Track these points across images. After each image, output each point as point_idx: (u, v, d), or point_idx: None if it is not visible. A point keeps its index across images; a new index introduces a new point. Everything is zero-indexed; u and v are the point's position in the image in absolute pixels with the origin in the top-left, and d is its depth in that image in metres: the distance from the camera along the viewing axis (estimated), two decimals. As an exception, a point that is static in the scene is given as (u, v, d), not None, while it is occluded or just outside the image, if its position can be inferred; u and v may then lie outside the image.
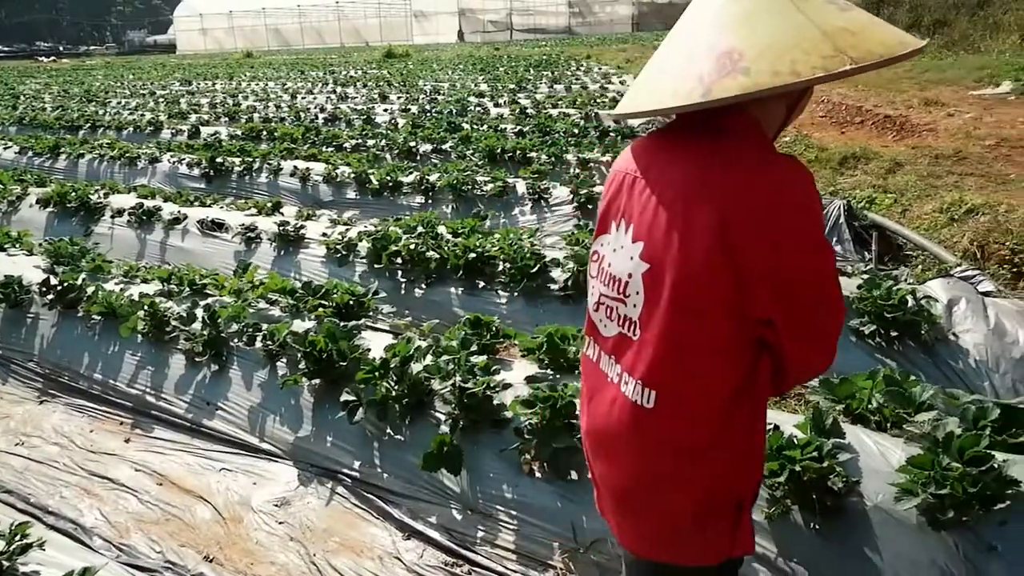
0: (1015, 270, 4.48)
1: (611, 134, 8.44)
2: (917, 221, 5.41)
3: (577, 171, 6.79)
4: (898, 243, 5.14)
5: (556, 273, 4.09)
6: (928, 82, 11.77)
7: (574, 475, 2.53)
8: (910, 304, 3.38)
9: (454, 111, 10.83)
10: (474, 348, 2.98)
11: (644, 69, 1.28)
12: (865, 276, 3.74)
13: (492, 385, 2.74)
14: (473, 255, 4.23)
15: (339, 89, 16.17)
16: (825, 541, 2.14)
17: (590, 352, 1.44)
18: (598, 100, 11.46)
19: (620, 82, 14.71)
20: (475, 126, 9.39)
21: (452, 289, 4.32)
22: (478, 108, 11.25)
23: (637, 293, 1.26)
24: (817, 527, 2.16)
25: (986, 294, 3.88)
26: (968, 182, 6.16)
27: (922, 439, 2.22)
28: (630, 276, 1.27)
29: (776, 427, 2.43)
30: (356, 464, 2.93)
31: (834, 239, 5.01)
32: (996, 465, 2.02)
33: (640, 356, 1.26)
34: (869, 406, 2.54)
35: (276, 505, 2.84)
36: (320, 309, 3.70)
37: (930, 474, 2.04)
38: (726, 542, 1.32)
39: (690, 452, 1.28)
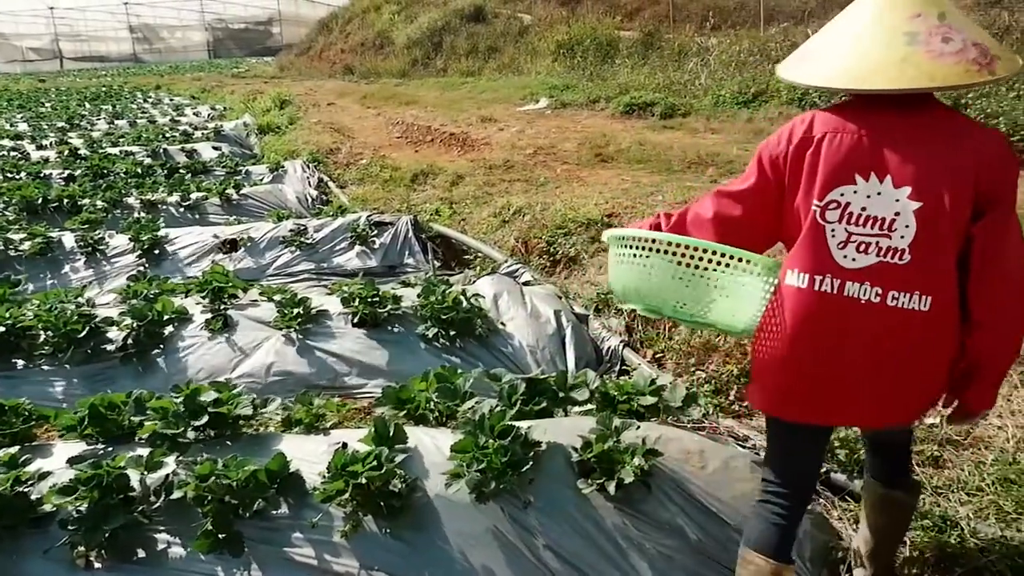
0: (551, 259, 5.32)
1: (180, 170, 7.90)
2: (476, 227, 6.08)
3: (141, 215, 6.20)
4: (462, 249, 5.75)
5: (113, 333, 3.67)
6: (485, 101, 13.42)
7: (141, 552, 2.29)
8: (463, 304, 3.79)
9: (-24, 159, 9.04)
10: (-5, 442, 2.51)
11: (847, 53, 1.67)
12: (424, 284, 4.06)
13: (23, 479, 2.34)
14: (2, 329, 3.57)
15: None
16: (398, 541, 2.26)
17: (819, 286, 1.71)
18: (168, 135, 10.65)
19: (194, 113, 13.90)
20: (9, 175, 7.96)
21: (-21, 375, 3.59)
22: (14, 153, 9.56)
23: (907, 227, 1.64)
24: (389, 531, 2.28)
25: (526, 284, 4.54)
26: (515, 187, 7.08)
27: (466, 424, 2.49)
28: (897, 215, 1.65)
29: (344, 445, 2.52)
30: None
31: (405, 254, 5.39)
32: (521, 433, 2.36)
33: (916, 272, 1.64)
34: (428, 406, 2.77)
35: None
36: None
37: (472, 455, 2.30)
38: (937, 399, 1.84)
39: (953, 334, 1.70)
